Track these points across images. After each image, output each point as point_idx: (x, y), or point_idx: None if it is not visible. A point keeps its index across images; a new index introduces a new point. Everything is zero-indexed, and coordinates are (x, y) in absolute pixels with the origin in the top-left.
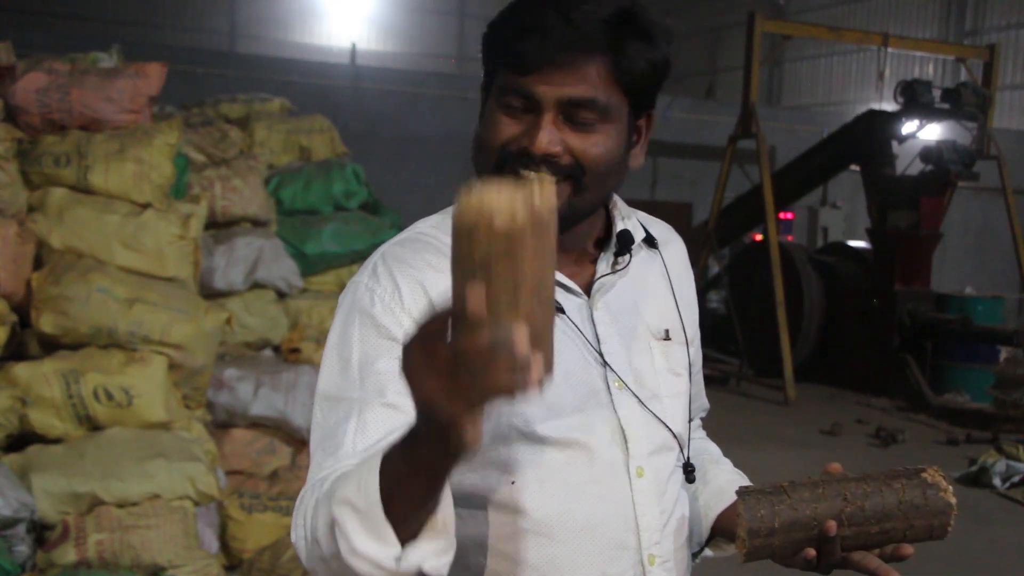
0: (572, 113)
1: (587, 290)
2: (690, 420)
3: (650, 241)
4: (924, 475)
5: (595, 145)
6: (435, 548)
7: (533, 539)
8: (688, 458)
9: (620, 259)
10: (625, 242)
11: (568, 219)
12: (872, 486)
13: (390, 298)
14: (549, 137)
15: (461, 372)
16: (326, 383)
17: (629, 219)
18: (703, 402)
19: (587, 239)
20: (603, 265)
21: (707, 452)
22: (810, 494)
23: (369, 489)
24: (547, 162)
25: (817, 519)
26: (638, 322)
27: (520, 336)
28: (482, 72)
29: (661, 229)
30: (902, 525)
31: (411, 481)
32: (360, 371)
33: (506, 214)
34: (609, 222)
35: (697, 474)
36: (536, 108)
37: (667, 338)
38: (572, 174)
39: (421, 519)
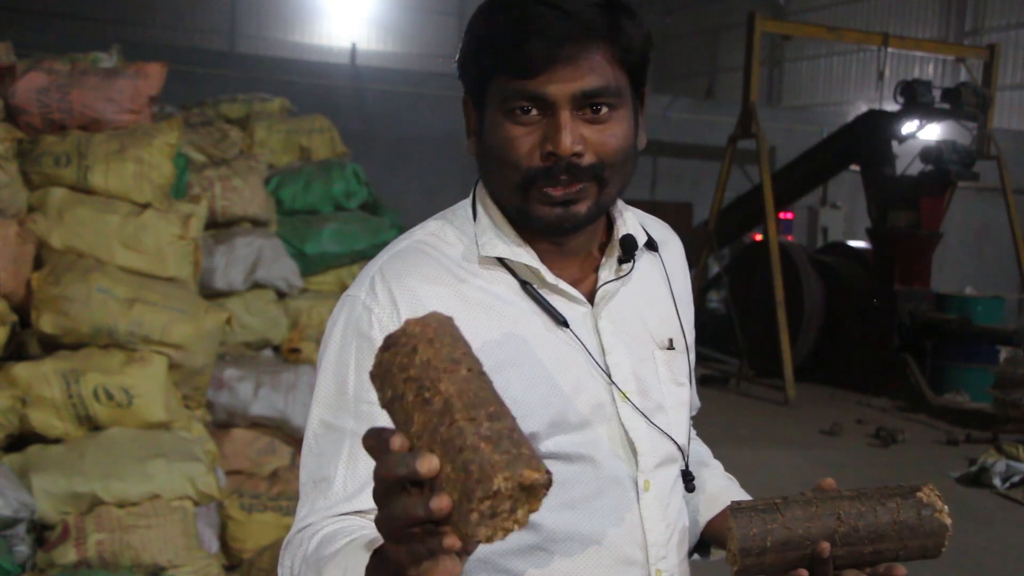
0: (587, 106)
1: (590, 298)
2: None
3: (650, 243)
4: (920, 494)
5: (612, 136)
6: None
7: (539, 556)
8: (687, 466)
9: (623, 265)
10: (628, 247)
11: (594, 218)
12: (866, 505)
13: (388, 319)
14: (572, 136)
15: (382, 498)
16: (322, 403)
17: (631, 221)
18: (695, 400)
19: (591, 243)
20: (606, 272)
21: (697, 454)
22: (803, 512)
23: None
24: (572, 167)
25: (810, 539)
26: (642, 330)
27: (424, 466)
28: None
29: (659, 228)
30: (895, 545)
31: None
32: (355, 400)
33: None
34: (610, 224)
35: None
36: (549, 109)
37: (670, 347)
38: (596, 173)
39: None
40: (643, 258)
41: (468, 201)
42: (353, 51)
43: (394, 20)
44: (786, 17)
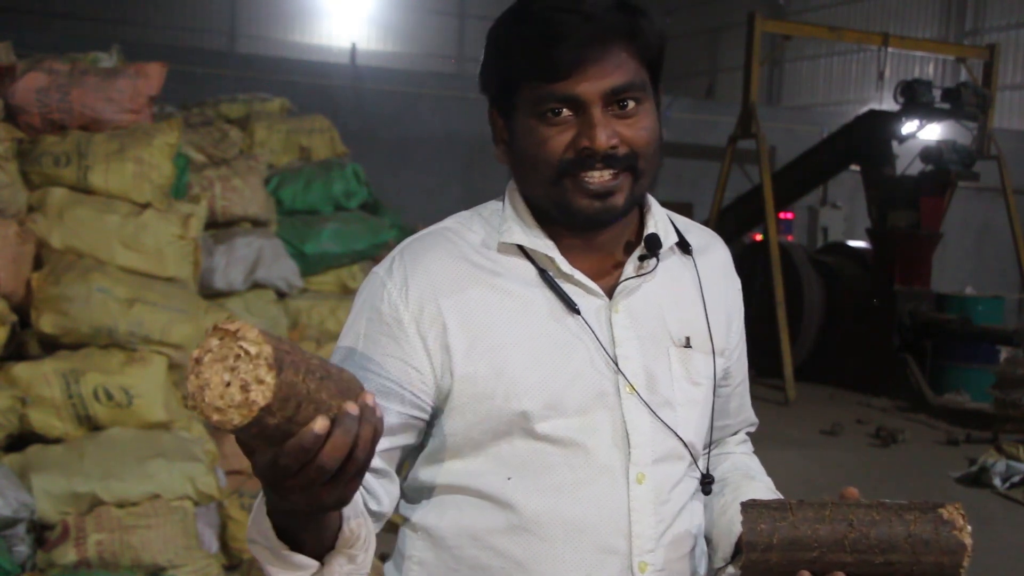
0: (615, 102)
1: (611, 293)
2: (734, 433)
3: (684, 247)
4: (941, 510)
5: (643, 129)
6: (346, 558)
7: (522, 536)
8: (707, 470)
9: (646, 263)
10: (653, 245)
11: (630, 209)
12: (882, 515)
13: (398, 295)
14: (607, 132)
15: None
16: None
17: (662, 222)
18: (748, 416)
19: (618, 241)
20: (629, 268)
21: (746, 468)
22: (815, 514)
23: (268, 534)
24: (607, 158)
25: (818, 541)
26: (659, 328)
27: (321, 426)
28: (487, 94)
29: (702, 236)
30: (908, 559)
31: (299, 523)
32: (358, 366)
33: (244, 408)
34: (642, 225)
35: (728, 489)
36: (581, 108)
37: (687, 345)
38: (630, 164)
39: (330, 537)
40: (673, 260)
41: (500, 198)
42: (353, 51)
43: (394, 20)
44: (786, 17)
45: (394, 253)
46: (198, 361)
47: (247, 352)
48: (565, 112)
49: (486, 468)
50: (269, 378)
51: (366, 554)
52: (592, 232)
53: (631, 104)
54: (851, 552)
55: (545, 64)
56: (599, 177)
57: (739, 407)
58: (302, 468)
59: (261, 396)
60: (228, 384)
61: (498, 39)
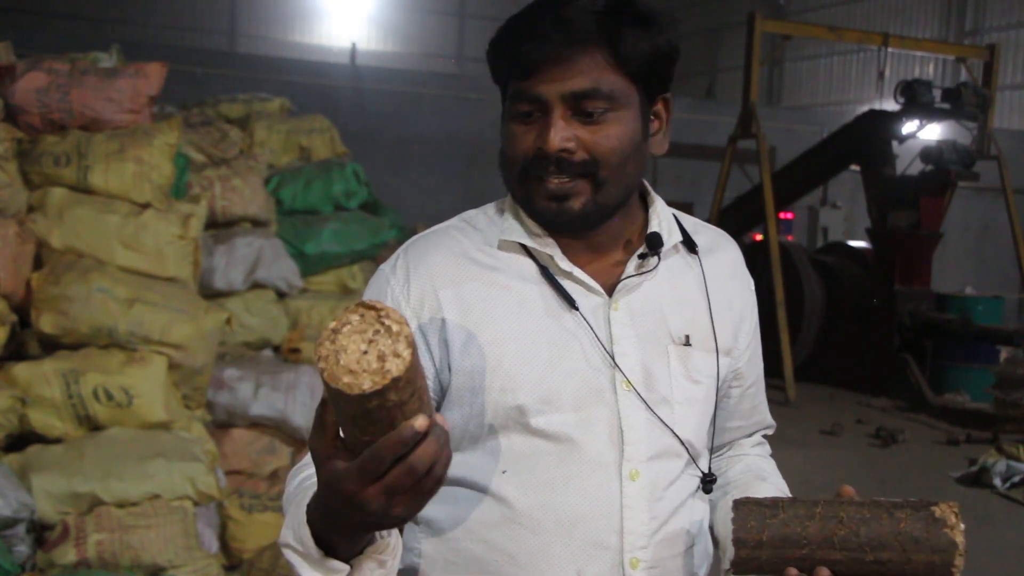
0: (579, 106)
1: (612, 290)
2: (749, 435)
3: (690, 246)
4: (934, 508)
5: (607, 138)
6: (376, 563)
7: (514, 529)
8: (710, 469)
9: (647, 261)
10: (654, 244)
11: (594, 216)
12: (872, 512)
13: (400, 291)
14: (561, 134)
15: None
16: None
17: (666, 221)
18: (763, 418)
19: (617, 239)
20: (630, 266)
21: (759, 469)
22: (805, 512)
23: (305, 539)
24: (561, 160)
25: (807, 538)
26: (659, 326)
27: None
28: (490, 79)
29: (710, 236)
30: (899, 557)
31: (341, 533)
32: None
33: (378, 377)
34: (647, 224)
35: (737, 491)
36: (546, 109)
37: (687, 343)
38: (588, 170)
39: (361, 544)
40: (677, 259)
41: (505, 198)
42: (353, 51)
43: (394, 20)
44: (786, 17)
45: (399, 251)
46: (335, 331)
47: (388, 328)
48: (534, 113)
49: (482, 462)
50: (406, 353)
51: (394, 560)
52: (563, 232)
53: (598, 112)
54: (840, 550)
55: (513, 61)
56: (557, 181)
57: (752, 409)
58: (393, 466)
59: (395, 367)
60: (365, 352)
61: (493, 40)
